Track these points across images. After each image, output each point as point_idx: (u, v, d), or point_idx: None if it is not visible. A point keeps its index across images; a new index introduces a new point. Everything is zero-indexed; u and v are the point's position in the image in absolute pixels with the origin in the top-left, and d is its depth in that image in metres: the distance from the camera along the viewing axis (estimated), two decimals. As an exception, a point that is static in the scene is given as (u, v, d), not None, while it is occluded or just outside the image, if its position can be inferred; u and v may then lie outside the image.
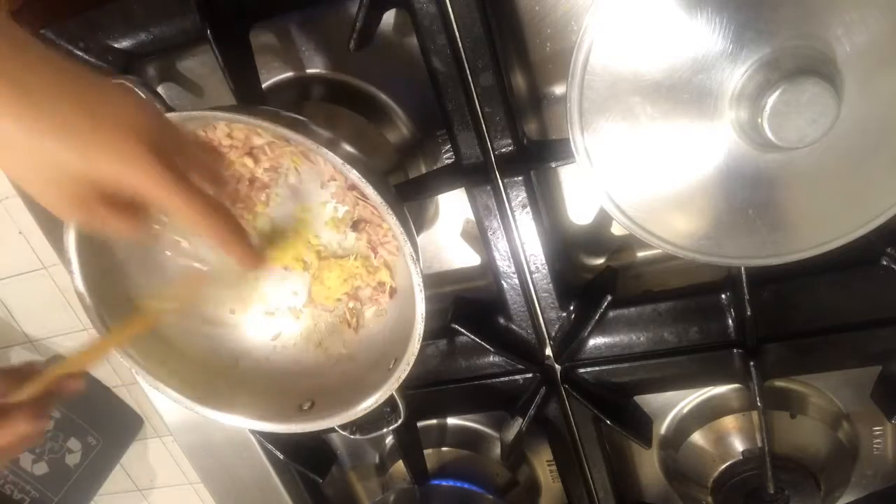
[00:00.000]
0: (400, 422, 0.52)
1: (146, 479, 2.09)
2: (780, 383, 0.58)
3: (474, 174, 0.52)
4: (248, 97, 0.51)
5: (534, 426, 0.58)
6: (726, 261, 0.44)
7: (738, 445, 0.58)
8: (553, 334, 0.57)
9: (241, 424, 0.54)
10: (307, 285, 0.56)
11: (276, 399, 0.53)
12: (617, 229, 0.59)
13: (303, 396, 0.53)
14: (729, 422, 0.59)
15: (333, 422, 0.51)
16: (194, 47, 0.57)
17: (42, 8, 0.52)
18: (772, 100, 0.35)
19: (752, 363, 0.52)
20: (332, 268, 0.54)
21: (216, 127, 0.48)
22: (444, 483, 0.64)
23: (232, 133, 0.49)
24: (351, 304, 0.56)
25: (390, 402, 0.49)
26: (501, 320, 0.57)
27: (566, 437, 0.60)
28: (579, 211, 0.59)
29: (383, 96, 0.57)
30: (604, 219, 0.58)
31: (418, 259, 0.43)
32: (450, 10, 0.46)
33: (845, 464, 0.59)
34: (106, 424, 1.89)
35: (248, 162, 0.50)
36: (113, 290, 0.52)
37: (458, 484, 0.64)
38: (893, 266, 0.48)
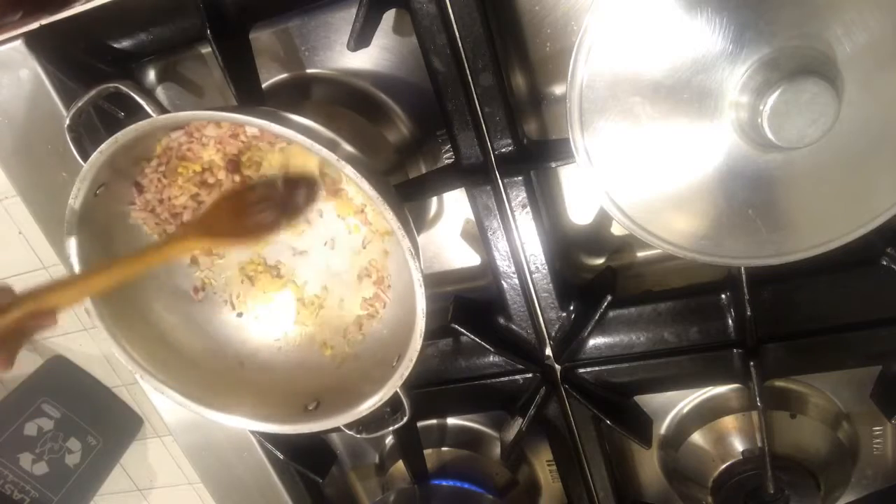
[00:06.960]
0: (405, 419, 0.52)
1: (146, 479, 2.09)
2: (780, 383, 0.58)
3: (474, 174, 0.52)
4: (248, 97, 0.51)
5: (534, 426, 0.58)
6: (726, 261, 0.44)
7: (738, 445, 0.58)
8: (553, 334, 0.57)
9: (247, 426, 0.54)
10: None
11: (281, 400, 0.53)
12: (617, 229, 0.59)
13: (308, 397, 0.53)
14: (729, 422, 0.59)
15: (339, 421, 0.51)
16: (194, 47, 0.57)
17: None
18: (772, 100, 0.35)
19: (752, 363, 0.52)
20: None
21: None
22: (444, 483, 0.64)
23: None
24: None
25: (394, 400, 0.49)
26: (501, 320, 0.57)
27: (566, 437, 0.60)
28: (579, 211, 0.59)
29: (383, 96, 0.57)
30: (604, 219, 0.58)
31: (418, 256, 0.44)
32: (450, 10, 0.46)
33: (845, 464, 0.59)
34: (106, 424, 1.89)
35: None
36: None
37: (458, 484, 0.64)
38: (893, 266, 0.48)
